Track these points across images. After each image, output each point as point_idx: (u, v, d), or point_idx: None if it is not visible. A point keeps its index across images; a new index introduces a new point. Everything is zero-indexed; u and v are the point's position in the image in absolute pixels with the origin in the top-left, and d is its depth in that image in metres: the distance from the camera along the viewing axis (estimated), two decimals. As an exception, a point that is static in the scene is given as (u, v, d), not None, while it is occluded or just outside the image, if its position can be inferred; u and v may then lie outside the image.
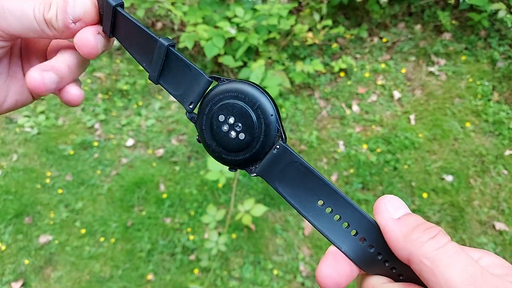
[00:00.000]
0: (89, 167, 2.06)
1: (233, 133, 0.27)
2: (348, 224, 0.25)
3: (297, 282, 1.68)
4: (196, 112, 0.29)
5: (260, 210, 1.45)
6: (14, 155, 2.14)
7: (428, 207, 1.82)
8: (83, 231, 1.85)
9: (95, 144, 2.12)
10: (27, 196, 1.97)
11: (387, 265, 0.25)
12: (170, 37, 2.40)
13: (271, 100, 0.27)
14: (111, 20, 0.29)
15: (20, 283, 1.75)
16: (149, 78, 0.30)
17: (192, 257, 1.76)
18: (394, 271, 0.24)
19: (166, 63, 0.29)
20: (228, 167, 0.29)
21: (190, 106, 0.29)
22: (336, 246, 0.25)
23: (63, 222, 1.90)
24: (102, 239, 1.84)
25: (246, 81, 0.28)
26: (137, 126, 2.18)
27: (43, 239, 1.86)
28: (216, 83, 0.28)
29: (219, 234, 1.53)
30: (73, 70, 0.31)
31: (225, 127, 0.27)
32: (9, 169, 2.07)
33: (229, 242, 1.74)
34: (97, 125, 2.22)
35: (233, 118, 0.27)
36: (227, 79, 0.28)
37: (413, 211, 1.83)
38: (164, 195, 1.91)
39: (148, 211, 1.89)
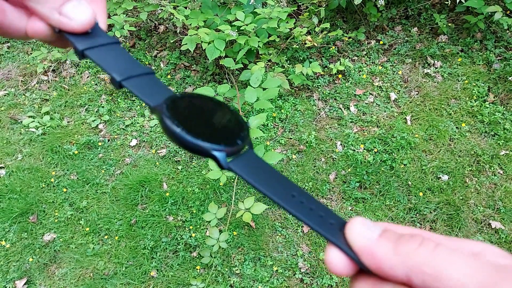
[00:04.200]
0: (93, 166, 2.10)
1: None
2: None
3: (296, 278, 1.72)
4: None
5: (260, 208, 1.49)
6: (19, 155, 2.17)
7: (424, 205, 1.86)
8: (87, 229, 1.89)
9: (100, 144, 2.17)
10: (32, 195, 2.01)
11: None
12: (172, 40, 2.43)
13: None
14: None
15: (24, 280, 1.78)
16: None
17: (194, 254, 1.80)
18: None
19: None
20: None
21: None
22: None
23: (68, 220, 1.94)
24: (106, 236, 1.87)
25: None
26: (141, 127, 2.23)
27: (47, 237, 1.89)
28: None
29: (220, 231, 1.57)
30: None
31: None
32: (14, 169, 2.11)
33: (230, 239, 1.78)
34: (101, 126, 2.26)
35: None
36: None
37: (409, 209, 1.87)
38: (167, 194, 1.95)
39: (152, 209, 1.93)
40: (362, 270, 0.22)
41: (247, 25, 1.93)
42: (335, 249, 0.22)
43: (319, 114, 2.20)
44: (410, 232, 0.22)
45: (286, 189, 0.24)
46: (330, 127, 2.15)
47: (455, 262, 0.18)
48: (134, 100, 2.35)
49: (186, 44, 1.94)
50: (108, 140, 2.20)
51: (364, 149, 2.04)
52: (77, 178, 2.06)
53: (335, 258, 0.22)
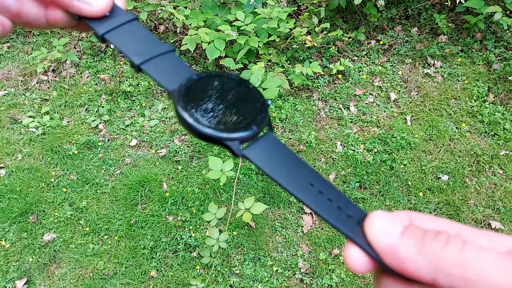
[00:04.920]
0: (93, 166, 2.10)
1: None
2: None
3: (296, 278, 1.72)
4: None
5: (260, 208, 1.49)
6: (19, 154, 2.17)
7: (424, 205, 1.86)
8: (87, 229, 1.89)
9: (99, 144, 2.17)
10: (32, 195, 2.01)
11: None
12: (172, 40, 2.43)
13: None
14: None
15: (24, 280, 1.78)
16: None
17: (194, 254, 1.80)
18: None
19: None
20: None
21: None
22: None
23: (68, 220, 1.94)
24: (106, 236, 1.87)
25: None
26: (141, 127, 2.23)
27: (47, 237, 1.89)
28: None
29: (220, 231, 1.57)
30: None
31: None
32: (14, 169, 2.11)
33: (230, 239, 1.78)
34: (101, 126, 2.26)
35: None
36: None
37: (409, 209, 1.87)
38: (167, 194, 1.95)
39: (151, 209, 1.93)
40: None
41: (247, 25, 1.93)
42: (354, 247, 0.21)
43: (319, 114, 2.20)
44: (435, 224, 0.20)
45: (305, 177, 0.23)
46: (330, 127, 2.15)
47: (485, 261, 0.17)
48: (134, 100, 2.35)
49: (186, 44, 1.95)
50: (108, 140, 2.20)
51: (364, 149, 2.04)
52: (77, 178, 2.06)
53: (355, 257, 0.21)
